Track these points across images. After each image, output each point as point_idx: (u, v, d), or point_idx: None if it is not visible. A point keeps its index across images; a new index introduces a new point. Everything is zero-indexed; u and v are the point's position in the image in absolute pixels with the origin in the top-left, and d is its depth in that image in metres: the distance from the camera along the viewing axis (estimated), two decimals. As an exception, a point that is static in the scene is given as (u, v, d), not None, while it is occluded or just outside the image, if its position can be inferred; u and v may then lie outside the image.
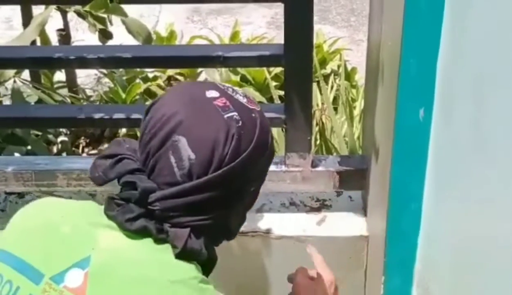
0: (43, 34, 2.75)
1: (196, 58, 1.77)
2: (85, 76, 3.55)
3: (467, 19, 1.13)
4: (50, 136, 2.73)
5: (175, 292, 0.97)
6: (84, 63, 1.77)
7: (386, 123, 1.44)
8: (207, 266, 1.06)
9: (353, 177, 1.77)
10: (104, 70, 3.37)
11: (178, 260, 1.01)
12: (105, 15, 2.41)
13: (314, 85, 2.62)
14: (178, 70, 3.37)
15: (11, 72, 2.46)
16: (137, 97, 3.08)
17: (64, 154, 2.74)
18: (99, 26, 2.45)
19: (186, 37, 3.83)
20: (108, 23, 2.50)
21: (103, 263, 0.99)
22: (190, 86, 1.15)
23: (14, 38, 2.42)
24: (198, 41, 3.67)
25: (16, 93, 2.52)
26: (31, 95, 2.75)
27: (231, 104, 1.04)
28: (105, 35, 2.48)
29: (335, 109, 2.75)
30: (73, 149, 2.97)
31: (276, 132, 2.39)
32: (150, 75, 3.33)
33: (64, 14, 2.91)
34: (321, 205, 1.85)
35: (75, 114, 1.82)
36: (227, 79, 3.25)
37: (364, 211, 1.81)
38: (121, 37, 2.43)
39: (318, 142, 2.50)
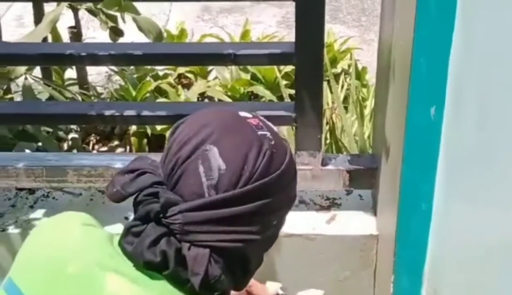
0: (54, 31, 2.76)
1: (207, 56, 1.77)
2: (96, 74, 3.56)
3: (478, 18, 1.12)
4: (61, 133, 2.74)
5: None
6: (96, 60, 1.78)
7: (397, 122, 1.44)
8: None
9: (363, 176, 1.76)
10: (115, 68, 3.38)
11: None
12: (117, 13, 2.43)
13: (325, 84, 2.61)
14: (188, 68, 3.37)
15: (22, 69, 2.47)
16: (148, 95, 3.09)
17: (74, 151, 2.75)
18: (111, 23, 2.46)
19: (196, 36, 3.84)
20: (120, 21, 2.51)
21: None
22: (221, 107, 1.11)
23: (25, 35, 2.43)
24: (208, 40, 3.67)
25: (27, 90, 2.53)
26: (42, 92, 2.75)
27: (264, 126, 1.01)
28: (116, 32, 2.49)
29: (346, 108, 2.75)
30: (84, 145, 2.97)
31: (286, 130, 2.39)
32: (161, 73, 3.33)
33: (75, 11, 2.92)
34: (331, 204, 1.85)
35: (86, 111, 1.83)
36: (237, 77, 3.25)
37: (374, 210, 1.81)
38: (132, 35, 2.44)
39: (328, 141, 2.49)
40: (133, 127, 2.97)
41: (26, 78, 2.53)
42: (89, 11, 2.58)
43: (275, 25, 4.82)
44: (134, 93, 3.08)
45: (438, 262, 1.42)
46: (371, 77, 3.23)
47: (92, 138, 3.09)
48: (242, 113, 1.03)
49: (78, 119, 2.00)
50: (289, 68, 3.17)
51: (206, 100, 3.24)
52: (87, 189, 1.94)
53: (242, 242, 0.98)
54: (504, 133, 1.02)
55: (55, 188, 1.93)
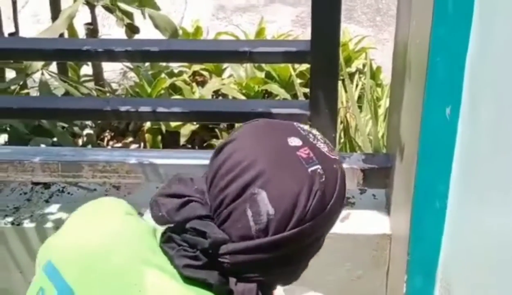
0: (71, 27, 2.78)
1: (223, 53, 1.78)
2: (110, 71, 3.57)
3: (496, 17, 1.12)
4: (76, 129, 2.76)
5: None
6: (112, 56, 1.79)
7: (412, 121, 1.44)
8: None
9: (377, 175, 1.76)
10: (130, 65, 3.39)
11: None
12: (133, 10, 2.44)
13: (339, 83, 2.61)
14: (203, 66, 3.38)
15: (39, 64, 2.49)
16: (162, 92, 3.10)
17: (89, 147, 2.76)
18: (127, 20, 2.47)
19: (211, 34, 3.84)
20: (134, 18, 2.52)
21: None
22: (270, 129, 1.02)
23: (42, 31, 2.45)
24: (224, 38, 3.68)
25: (43, 85, 2.55)
26: (58, 87, 2.77)
27: (314, 156, 0.97)
28: (132, 29, 2.50)
29: (360, 107, 2.75)
30: (98, 141, 2.99)
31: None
32: (175, 70, 3.34)
33: (92, 8, 2.94)
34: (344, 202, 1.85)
35: (102, 106, 1.84)
36: (252, 75, 3.25)
37: (387, 209, 1.81)
38: (147, 32, 2.45)
39: (342, 140, 2.49)
40: (148, 124, 2.98)
41: (42, 74, 2.54)
42: (105, 8, 2.59)
43: (290, 24, 4.81)
44: (149, 90, 3.10)
45: (451, 262, 1.41)
46: (385, 76, 3.23)
47: (107, 135, 3.11)
48: (292, 141, 0.97)
49: (94, 115, 2.01)
50: (303, 67, 3.17)
51: (220, 98, 3.24)
52: (101, 184, 1.95)
53: (288, 274, 0.99)
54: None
55: (70, 183, 1.95)
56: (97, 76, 3.13)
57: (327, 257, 1.73)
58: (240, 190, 0.93)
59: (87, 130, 2.82)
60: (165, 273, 0.95)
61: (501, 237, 1.15)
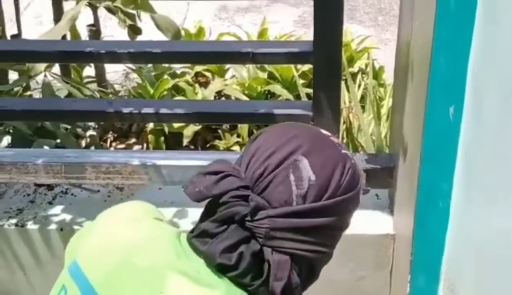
0: (73, 29, 2.78)
1: (225, 54, 1.78)
2: (113, 72, 3.58)
3: (499, 17, 1.12)
4: (79, 130, 2.76)
5: None
6: (114, 58, 1.79)
7: (415, 121, 1.44)
8: None
9: (380, 175, 1.76)
10: (133, 66, 3.39)
11: None
12: (134, 11, 2.44)
13: (342, 83, 2.61)
14: (205, 67, 3.38)
15: (41, 66, 2.49)
16: (165, 93, 3.10)
17: (92, 148, 2.76)
18: (129, 22, 2.47)
19: (214, 35, 3.84)
20: (137, 19, 2.52)
21: None
22: (296, 123, 1.10)
23: (45, 33, 2.45)
24: (226, 38, 3.67)
25: (46, 87, 2.55)
26: (61, 89, 2.77)
27: (343, 145, 1.06)
28: (135, 31, 2.50)
29: (363, 107, 2.74)
30: (101, 143, 2.99)
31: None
32: (178, 71, 3.34)
33: (94, 9, 2.94)
34: (347, 203, 1.85)
35: (105, 108, 1.84)
36: (254, 76, 3.25)
37: (390, 209, 1.81)
38: (150, 33, 2.45)
39: (345, 140, 2.49)
40: (150, 125, 2.98)
41: (45, 76, 2.55)
42: (108, 9, 2.60)
43: (292, 25, 4.81)
44: (151, 91, 3.10)
45: (455, 262, 1.41)
46: (388, 76, 3.22)
47: (110, 136, 3.11)
48: (324, 131, 1.06)
49: (97, 116, 2.02)
50: (306, 67, 3.17)
51: (223, 98, 3.24)
52: (105, 186, 1.95)
53: (317, 253, 1.00)
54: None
55: (73, 184, 1.95)
56: (100, 78, 3.14)
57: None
58: (283, 158, 0.97)
59: (90, 132, 2.82)
60: (188, 277, 0.96)
61: (505, 236, 1.15)
